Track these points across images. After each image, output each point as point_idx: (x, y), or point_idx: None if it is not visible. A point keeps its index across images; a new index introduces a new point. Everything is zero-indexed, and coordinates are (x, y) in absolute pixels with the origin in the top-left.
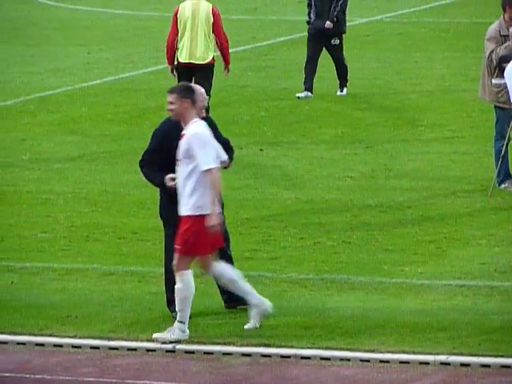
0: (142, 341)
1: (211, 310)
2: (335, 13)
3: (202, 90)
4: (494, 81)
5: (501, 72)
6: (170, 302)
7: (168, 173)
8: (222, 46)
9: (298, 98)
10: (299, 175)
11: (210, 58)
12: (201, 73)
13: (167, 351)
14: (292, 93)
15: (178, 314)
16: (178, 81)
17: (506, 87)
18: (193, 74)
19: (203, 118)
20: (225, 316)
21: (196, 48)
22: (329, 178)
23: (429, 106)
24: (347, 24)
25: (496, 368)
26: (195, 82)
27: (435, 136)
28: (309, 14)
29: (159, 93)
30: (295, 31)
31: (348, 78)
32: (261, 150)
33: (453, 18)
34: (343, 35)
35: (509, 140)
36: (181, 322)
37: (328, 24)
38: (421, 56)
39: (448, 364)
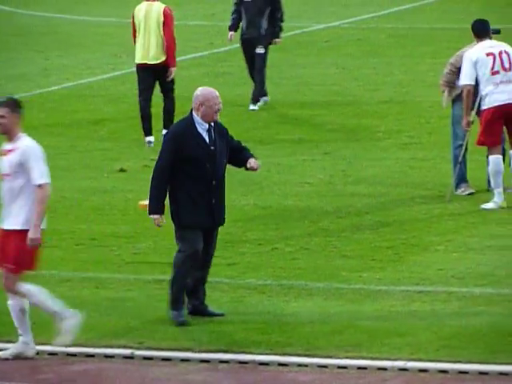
0: (99, 347)
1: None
2: (278, 28)
3: (217, 93)
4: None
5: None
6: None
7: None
8: (168, 46)
9: (253, 110)
10: (257, 181)
11: (165, 58)
12: (160, 73)
13: (125, 357)
14: (248, 100)
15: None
16: (138, 82)
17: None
18: (154, 74)
19: (215, 122)
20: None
21: (149, 49)
22: (287, 185)
23: (387, 112)
24: (304, 30)
25: (454, 374)
26: (159, 83)
27: (393, 142)
28: (233, 20)
29: (117, 99)
30: None
31: (261, 93)
32: None
33: (411, 24)
34: (269, 46)
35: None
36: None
37: (277, 41)
38: (379, 62)
39: (406, 370)
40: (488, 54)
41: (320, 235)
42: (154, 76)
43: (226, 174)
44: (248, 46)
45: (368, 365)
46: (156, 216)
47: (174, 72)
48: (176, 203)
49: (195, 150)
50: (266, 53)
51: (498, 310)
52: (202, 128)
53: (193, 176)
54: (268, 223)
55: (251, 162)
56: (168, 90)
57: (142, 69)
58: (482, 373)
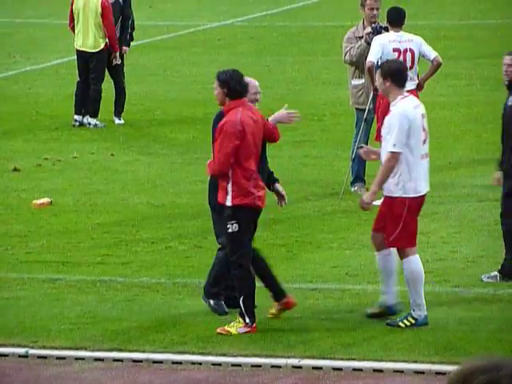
0: None
1: (63, 315)
2: (128, 36)
3: (255, 83)
4: (352, 82)
5: (359, 72)
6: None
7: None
8: (109, 35)
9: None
10: (151, 180)
11: (102, 46)
12: (94, 59)
13: (20, 356)
14: (143, 98)
15: None
16: (77, 64)
17: (364, 87)
18: (88, 59)
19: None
20: (77, 321)
21: (88, 37)
22: (180, 183)
23: (280, 109)
24: (198, 28)
25: (348, 371)
26: (90, 67)
27: (286, 139)
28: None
29: (10, 98)
30: (146, 36)
31: (124, 105)
32: (112, 154)
33: (304, 22)
34: (125, 55)
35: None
36: None
37: (125, 49)
38: (272, 60)
39: (300, 367)
40: (394, 50)
41: (213, 233)
42: (89, 60)
43: None
44: None
45: (262, 362)
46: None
47: (118, 55)
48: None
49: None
50: (122, 63)
51: None
52: None
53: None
54: (161, 222)
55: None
56: (98, 74)
57: (81, 53)
58: (376, 370)
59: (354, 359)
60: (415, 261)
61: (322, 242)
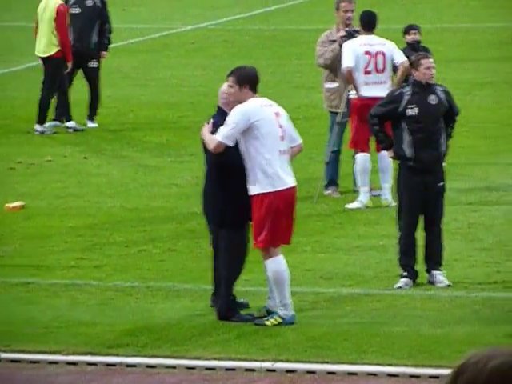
0: None
1: (36, 319)
2: (107, 41)
3: (220, 89)
4: (326, 85)
5: (333, 75)
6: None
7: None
8: (62, 43)
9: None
10: (124, 183)
11: (53, 53)
12: (46, 65)
13: None
14: (116, 101)
15: None
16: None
17: (337, 91)
18: (44, 66)
19: None
20: (50, 325)
21: (40, 42)
22: (154, 186)
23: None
24: (171, 31)
25: (322, 374)
26: (44, 76)
27: None
28: None
29: None
30: (119, 39)
31: (98, 108)
32: (85, 158)
33: (278, 25)
34: (102, 59)
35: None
36: None
37: (103, 54)
38: (245, 63)
39: (274, 370)
40: (366, 53)
41: (187, 236)
42: (44, 67)
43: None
44: (77, 60)
45: (236, 366)
46: None
47: (70, 66)
48: (226, 201)
49: None
50: (99, 67)
51: (366, 310)
52: None
53: (241, 169)
54: (135, 225)
55: None
56: (47, 82)
57: (41, 59)
58: (350, 373)
59: (327, 362)
60: (279, 261)
61: (296, 246)
